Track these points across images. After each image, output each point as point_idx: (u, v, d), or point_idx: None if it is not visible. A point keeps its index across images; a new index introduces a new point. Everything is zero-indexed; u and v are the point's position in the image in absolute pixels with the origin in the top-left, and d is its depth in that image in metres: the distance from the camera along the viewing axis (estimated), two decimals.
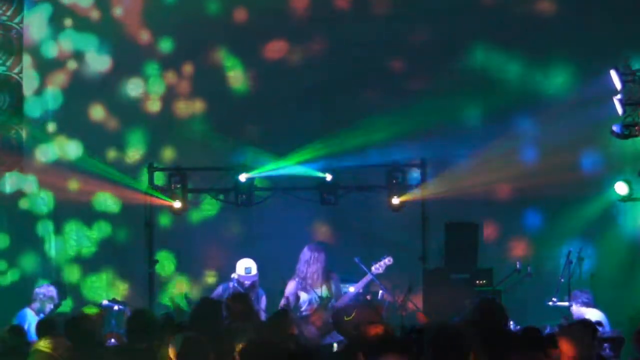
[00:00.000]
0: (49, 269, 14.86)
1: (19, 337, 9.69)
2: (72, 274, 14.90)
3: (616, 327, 12.31)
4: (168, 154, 14.99)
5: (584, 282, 13.23)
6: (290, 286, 13.08)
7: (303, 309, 12.95)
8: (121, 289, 14.71)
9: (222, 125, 14.86)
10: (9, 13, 14.48)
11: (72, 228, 14.94)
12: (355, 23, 14.69)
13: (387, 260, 13.02)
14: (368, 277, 12.99)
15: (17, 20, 14.54)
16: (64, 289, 13.69)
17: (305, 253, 13.15)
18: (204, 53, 14.99)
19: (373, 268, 12.97)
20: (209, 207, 14.89)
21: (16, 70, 14.52)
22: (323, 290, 12.99)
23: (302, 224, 14.56)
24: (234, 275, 13.00)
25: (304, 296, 12.99)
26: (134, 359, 8.75)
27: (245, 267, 13.05)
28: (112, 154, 15.01)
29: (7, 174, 14.71)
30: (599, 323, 11.76)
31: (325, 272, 13.10)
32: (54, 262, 14.92)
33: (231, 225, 14.74)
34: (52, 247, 14.90)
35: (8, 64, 14.52)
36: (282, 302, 12.90)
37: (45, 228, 14.91)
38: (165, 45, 15.03)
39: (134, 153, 15.03)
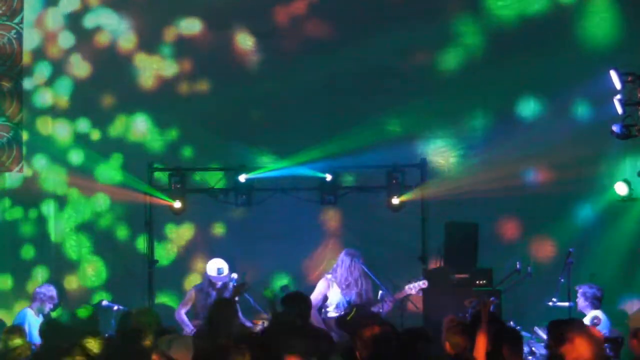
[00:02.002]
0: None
1: (19, 338, 9.71)
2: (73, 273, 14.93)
3: (616, 327, 12.32)
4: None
5: (583, 282, 13.20)
6: (321, 286, 12.94)
7: (328, 309, 12.90)
8: (121, 289, 14.69)
9: (223, 125, 14.85)
10: (9, 13, 14.48)
11: (73, 232, 14.93)
12: (358, 23, 14.68)
13: (422, 284, 12.92)
14: (398, 294, 12.91)
15: (17, 20, 14.54)
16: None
17: (345, 259, 12.96)
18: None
19: (406, 287, 12.89)
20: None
21: (17, 70, 14.52)
22: (353, 296, 12.91)
23: (302, 224, 14.56)
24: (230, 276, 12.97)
25: (333, 298, 12.89)
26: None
27: (218, 267, 12.92)
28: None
29: (7, 174, 14.71)
30: (596, 318, 11.79)
31: (363, 278, 13.01)
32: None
33: (231, 225, 14.73)
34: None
35: (8, 63, 14.52)
36: (316, 300, 12.75)
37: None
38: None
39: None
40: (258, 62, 14.91)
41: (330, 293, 12.90)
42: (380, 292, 13.30)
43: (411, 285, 12.87)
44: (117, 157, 14.84)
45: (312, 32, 14.77)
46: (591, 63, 13.98)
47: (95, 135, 14.92)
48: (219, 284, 12.87)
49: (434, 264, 13.81)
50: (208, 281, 12.94)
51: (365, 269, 13.04)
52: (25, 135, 14.62)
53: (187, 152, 14.89)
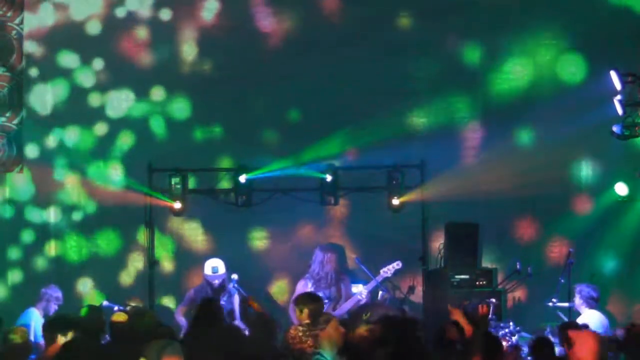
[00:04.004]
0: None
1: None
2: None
3: (614, 327, 12.33)
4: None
5: (583, 282, 13.22)
6: (300, 286, 13.15)
7: None
8: (121, 290, 14.69)
9: (223, 125, 14.84)
10: (9, 14, 14.47)
11: (73, 233, 14.92)
12: (357, 23, 14.68)
13: (396, 264, 13.13)
14: (373, 282, 13.06)
15: (17, 20, 14.53)
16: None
17: (318, 254, 13.25)
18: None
19: (381, 271, 13.08)
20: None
21: (17, 71, 14.51)
22: (332, 292, 13.02)
23: (302, 224, 14.56)
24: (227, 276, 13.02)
25: None
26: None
27: (212, 266, 13.08)
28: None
29: (8, 175, 14.70)
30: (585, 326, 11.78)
31: (336, 273, 13.17)
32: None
33: (231, 226, 14.71)
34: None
35: (9, 64, 14.51)
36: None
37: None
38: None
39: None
40: (258, 63, 14.90)
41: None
42: (380, 292, 13.35)
43: (385, 269, 13.16)
44: (118, 157, 14.85)
45: (315, 31, 14.78)
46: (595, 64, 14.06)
47: (95, 135, 14.92)
48: (216, 282, 12.95)
49: (434, 264, 13.83)
50: (206, 281, 13.04)
51: (364, 268, 13.10)
52: (25, 135, 14.60)
53: (188, 152, 14.89)
